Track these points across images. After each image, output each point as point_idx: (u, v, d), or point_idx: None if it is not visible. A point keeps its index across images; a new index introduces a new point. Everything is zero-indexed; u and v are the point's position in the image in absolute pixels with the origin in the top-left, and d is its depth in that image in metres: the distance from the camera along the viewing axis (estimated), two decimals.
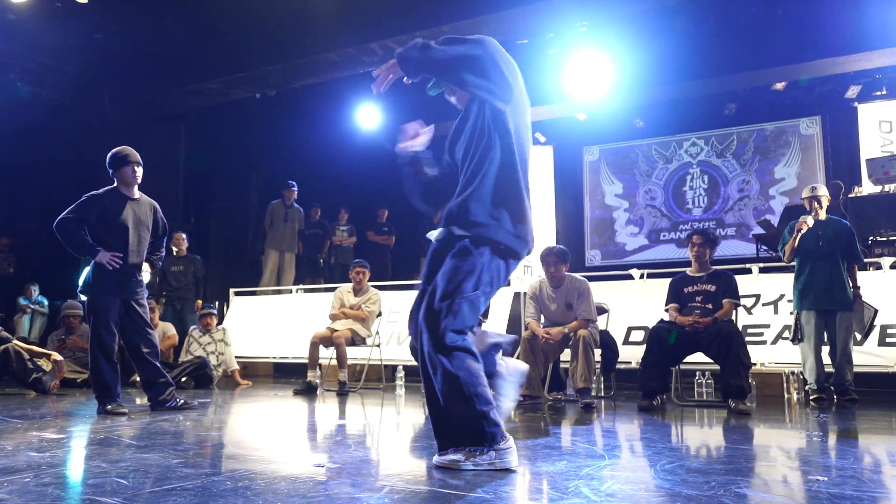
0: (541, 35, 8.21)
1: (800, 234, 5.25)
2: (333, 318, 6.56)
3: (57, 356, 6.08)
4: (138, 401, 5.25)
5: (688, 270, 5.33)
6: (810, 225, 5.22)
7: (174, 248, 8.16)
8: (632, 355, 6.25)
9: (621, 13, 7.63)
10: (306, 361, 6.31)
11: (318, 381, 6.27)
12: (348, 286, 6.78)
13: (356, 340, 6.49)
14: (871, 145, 8.74)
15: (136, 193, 4.62)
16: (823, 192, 5.48)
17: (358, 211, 10.45)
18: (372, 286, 6.82)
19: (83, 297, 4.53)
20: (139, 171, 4.56)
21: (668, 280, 5.43)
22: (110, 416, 4.25)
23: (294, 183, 9.62)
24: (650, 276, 7.19)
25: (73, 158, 9.17)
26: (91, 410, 4.50)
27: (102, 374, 4.39)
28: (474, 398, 2.40)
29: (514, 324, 7.09)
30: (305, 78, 8.90)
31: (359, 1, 7.73)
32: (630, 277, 7.25)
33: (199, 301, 8.22)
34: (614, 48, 8.19)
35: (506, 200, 2.52)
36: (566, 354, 5.29)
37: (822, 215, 5.40)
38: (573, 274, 5.43)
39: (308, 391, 6.11)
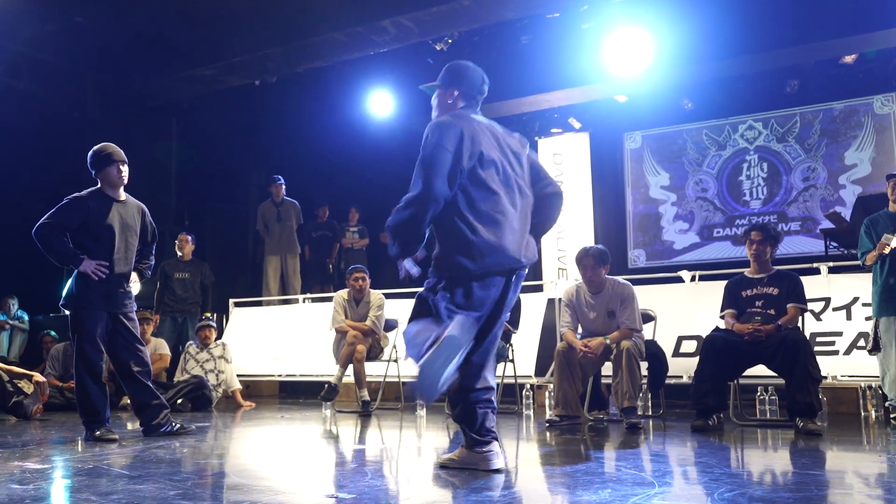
0: (574, 8, 8.18)
1: (880, 254, 5.15)
2: (339, 331, 6.54)
3: (39, 377, 6.16)
4: (130, 426, 5.31)
5: (746, 271, 5.27)
6: (893, 246, 5.10)
7: (178, 252, 8.17)
8: (683, 368, 6.20)
9: None
10: (315, 379, 6.34)
11: (339, 383, 6.30)
12: (345, 292, 6.74)
13: (374, 351, 6.52)
14: None
15: (123, 195, 4.67)
16: None
17: (370, 210, 10.46)
18: (382, 293, 6.80)
19: (66, 311, 4.59)
20: (125, 170, 4.61)
21: (724, 283, 5.38)
22: (99, 442, 4.29)
23: (279, 176, 9.60)
24: (703, 278, 7.13)
25: (53, 157, 9.30)
26: (78, 437, 4.56)
27: (90, 397, 4.43)
28: None
29: (547, 334, 7.07)
30: (310, 61, 8.95)
31: None
32: (680, 280, 7.20)
33: (207, 314, 8.20)
34: (657, 20, 8.13)
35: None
36: (608, 368, 5.26)
37: None
38: (615, 277, 5.40)
39: (330, 395, 6.18)
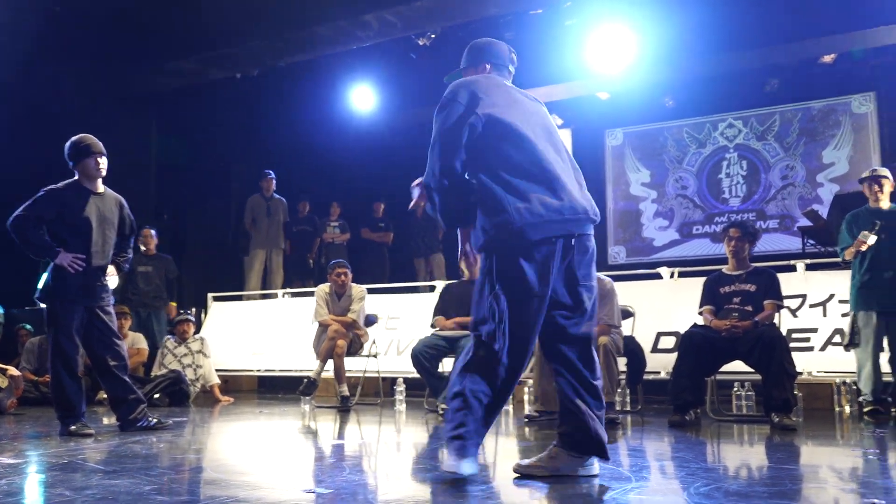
0: (557, 4, 8.20)
1: (858, 252, 5.22)
2: (323, 323, 6.54)
3: (14, 371, 6.10)
4: (106, 420, 5.26)
5: (724, 268, 5.32)
6: (871, 244, 5.18)
7: (142, 247, 8.11)
8: (661, 364, 6.24)
9: None
10: (295, 374, 6.34)
11: (318, 378, 6.30)
12: (327, 286, 6.73)
13: (354, 346, 6.51)
14: None
15: (101, 187, 4.62)
16: (886, 174, 5.45)
17: (351, 205, 10.44)
18: (362, 287, 6.80)
19: (42, 305, 4.54)
20: (103, 162, 4.55)
21: (702, 279, 5.43)
22: (74, 437, 4.25)
23: (271, 172, 9.60)
24: (682, 274, 7.18)
25: (30, 148, 9.17)
26: (53, 431, 4.51)
27: (65, 391, 4.38)
28: None
29: None
30: (292, 55, 8.91)
31: None
32: (659, 276, 7.24)
33: (174, 304, 8.15)
34: (640, 17, 8.17)
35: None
36: None
37: (885, 202, 5.37)
38: (595, 273, 5.40)
39: (309, 389, 6.18)
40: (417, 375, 6.03)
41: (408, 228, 10.02)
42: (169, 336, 7.39)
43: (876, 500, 2.41)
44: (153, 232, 8.24)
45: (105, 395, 4.91)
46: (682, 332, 5.33)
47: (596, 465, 2.79)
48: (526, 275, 2.63)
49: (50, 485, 2.80)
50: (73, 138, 4.56)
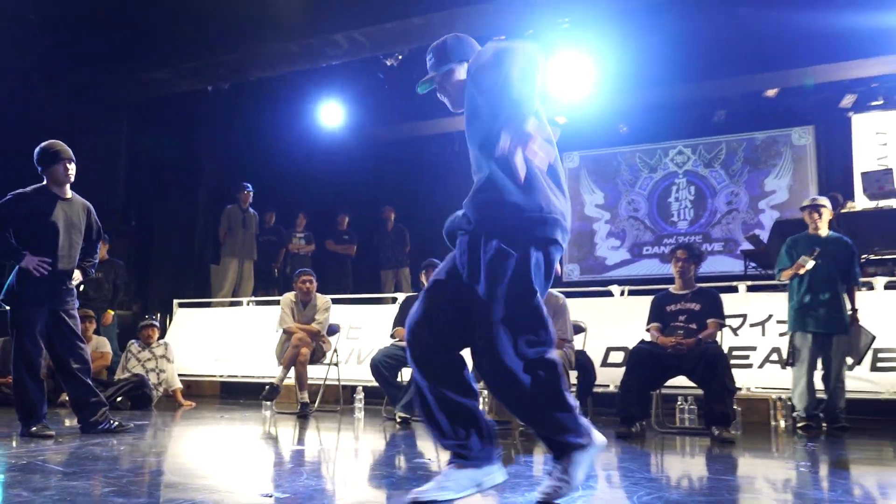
0: (519, 31, 8.28)
1: (796, 274, 5.34)
2: (288, 331, 6.49)
3: None
4: (67, 423, 5.14)
5: (671, 288, 5.40)
6: (808, 268, 5.30)
7: None
8: (610, 378, 6.29)
9: (606, 10, 7.74)
10: (257, 380, 6.25)
11: (281, 384, 6.23)
12: (293, 295, 6.69)
13: (317, 355, 6.46)
14: (865, 158, 8.97)
15: (69, 193, 4.54)
16: (825, 203, 5.57)
17: (317, 217, 10.39)
18: (327, 297, 6.77)
19: (6, 307, 4.43)
20: (72, 168, 4.48)
21: (651, 297, 5.48)
22: (35, 438, 4.15)
23: (249, 185, 9.55)
24: (631, 292, 7.26)
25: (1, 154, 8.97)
26: (14, 432, 4.39)
27: (27, 393, 4.29)
28: None
29: None
30: (262, 70, 8.86)
31: None
32: (610, 294, 7.32)
33: (110, 312, 7.81)
34: (598, 47, 8.29)
35: None
36: None
37: (823, 230, 5.50)
38: (549, 289, 5.44)
39: (271, 395, 6.12)
40: (376, 384, 6.00)
41: (378, 240, 10.06)
42: (133, 341, 7.26)
43: None
44: (105, 237, 8.02)
45: (67, 398, 4.79)
46: (630, 347, 5.39)
47: (496, 474, 2.47)
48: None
49: (8, 485, 2.73)
50: (43, 144, 4.48)
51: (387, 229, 10.09)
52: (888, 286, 6.28)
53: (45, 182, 4.47)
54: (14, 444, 3.97)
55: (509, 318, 2.33)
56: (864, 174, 7.91)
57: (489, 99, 2.36)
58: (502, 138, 2.20)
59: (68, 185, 4.52)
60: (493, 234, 2.34)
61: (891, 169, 7.85)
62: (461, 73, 2.60)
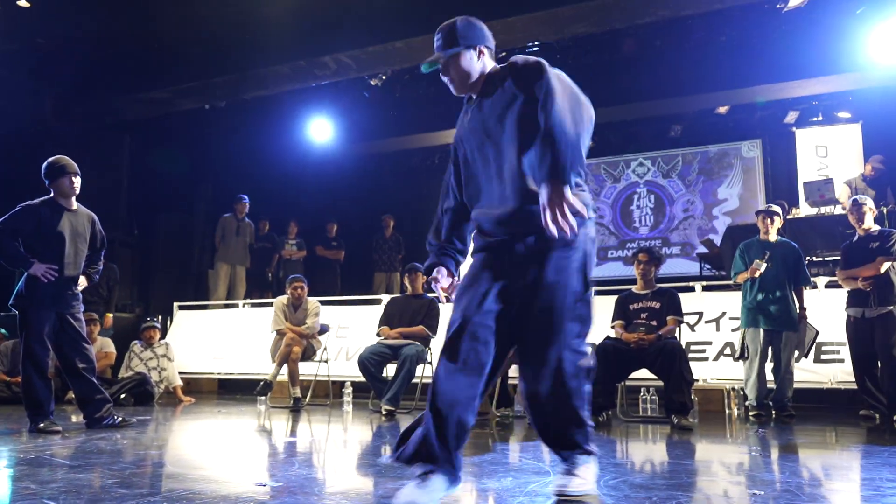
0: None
1: (751, 277, 5.38)
2: (280, 333, 6.46)
3: None
4: (74, 419, 5.06)
5: (633, 288, 5.43)
6: (762, 271, 5.35)
7: None
8: None
9: (571, 34, 7.77)
10: (252, 377, 6.21)
11: (274, 380, 6.20)
12: (285, 298, 6.66)
13: (308, 353, 6.42)
14: (807, 169, 9.08)
15: (74, 204, 4.49)
16: (778, 211, 5.62)
17: (307, 225, 10.36)
18: (318, 300, 6.74)
19: (15, 311, 4.37)
20: (77, 181, 4.43)
21: (615, 297, 5.52)
22: (43, 434, 4.09)
23: (245, 196, 9.49)
24: (597, 293, 7.19)
25: (11, 167, 8.84)
26: (22, 428, 4.32)
27: (35, 391, 4.23)
28: None
29: None
30: (256, 90, 8.80)
31: (312, 13, 7.69)
32: None
33: (109, 315, 7.70)
34: (565, 68, 8.32)
35: None
36: (514, 371, 5.31)
37: (773, 235, 5.55)
38: None
39: (265, 390, 6.09)
40: (364, 379, 5.97)
41: (376, 244, 10.02)
42: (136, 341, 7.18)
43: (757, 492, 2.48)
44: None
45: (73, 396, 4.72)
46: (596, 343, 5.41)
47: (438, 484, 2.18)
48: None
49: (17, 478, 2.68)
50: (50, 159, 4.43)
51: (385, 235, 10.10)
52: (829, 285, 6.35)
53: (52, 195, 4.42)
54: (23, 439, 3.90)
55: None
56: (806, 184, 8.00)
57: (550, 122, 2.15)
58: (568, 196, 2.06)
59: (74, 198, 4.47)
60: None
61: (831, 179, 7.96)
62: (468, 57, 2.35)
